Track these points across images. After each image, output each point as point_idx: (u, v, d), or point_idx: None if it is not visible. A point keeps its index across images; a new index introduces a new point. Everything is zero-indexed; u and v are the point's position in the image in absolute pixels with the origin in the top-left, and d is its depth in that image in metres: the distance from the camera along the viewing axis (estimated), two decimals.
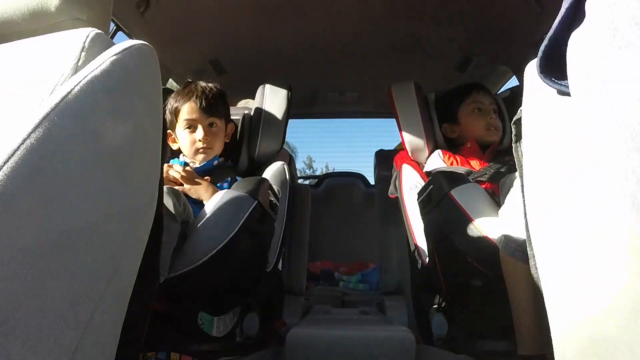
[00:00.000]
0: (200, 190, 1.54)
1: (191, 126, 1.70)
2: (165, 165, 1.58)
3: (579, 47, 0.46)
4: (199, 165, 1.69)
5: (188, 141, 1.70)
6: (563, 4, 0.50)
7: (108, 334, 0.63)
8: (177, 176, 1.53)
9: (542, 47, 0.53)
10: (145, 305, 0.78)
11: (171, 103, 1.73)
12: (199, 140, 1.68)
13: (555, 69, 0.53)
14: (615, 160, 0.39)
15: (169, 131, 1.74)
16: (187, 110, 1.70)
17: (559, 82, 0.53)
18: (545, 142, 0.60)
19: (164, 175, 1.48)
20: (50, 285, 0.50)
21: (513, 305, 1.28)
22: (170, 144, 1.76)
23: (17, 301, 0.46)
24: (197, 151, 1.69)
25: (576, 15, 0.49)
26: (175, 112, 1.72)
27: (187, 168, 1.60)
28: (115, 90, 0.64)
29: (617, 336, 0.43)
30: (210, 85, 1.78)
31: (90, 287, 0.57)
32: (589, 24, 0.45)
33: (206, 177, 1.61)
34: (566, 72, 0.49)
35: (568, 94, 0.52)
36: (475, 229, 1.39)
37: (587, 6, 0.46)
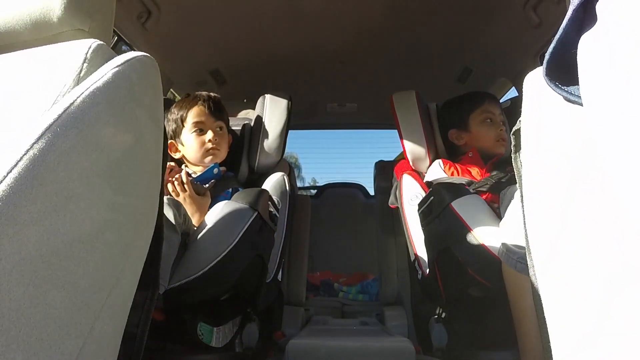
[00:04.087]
0: (194, 209, 1.49)
1: (200, 129, 1.71)
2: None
3: (591, 50, 0.45)
4: (199, 174, 1.69)
5: (197, 143, 1.70)
6: (570, 6, 0.48)
7: (108, 343, 0.63)
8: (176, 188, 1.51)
9: (549, 50, 0.52)
10: (145, 315, 0.78)
11: (175, 112, 1.74)
12: (209, 141, 1.69)
13: (560, 75, 0.52)
14: (621, 168, 0.39)
15: (171, 141, 1.74)
16: (196, 113, 1.72)
17: (564, 87, 0.52)
18: (544, 152, 0.59)
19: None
20: (52, 294, 0.50)
21: (515, 317, 1.27)
22: (172, 153, 1.75)
23: (18, 310, 0.46)
24: (206, 152, 1.69)
25: (585, 17, 0.47)
26: (182, 119, 1.72)
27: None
28: (117, 102, 0.64)
29: (617, 346, 0.43)
30: (212, 93, 1.81)
31: (91, 297, 0.57)
32: (602, 26, 0.44)
33: (201, 183, 1.61)
34: (570, 78, 0.48)
35: (572, 101, 0.51)
36: (476, 240, 1.39)
37: (599, 8, 0.44)
